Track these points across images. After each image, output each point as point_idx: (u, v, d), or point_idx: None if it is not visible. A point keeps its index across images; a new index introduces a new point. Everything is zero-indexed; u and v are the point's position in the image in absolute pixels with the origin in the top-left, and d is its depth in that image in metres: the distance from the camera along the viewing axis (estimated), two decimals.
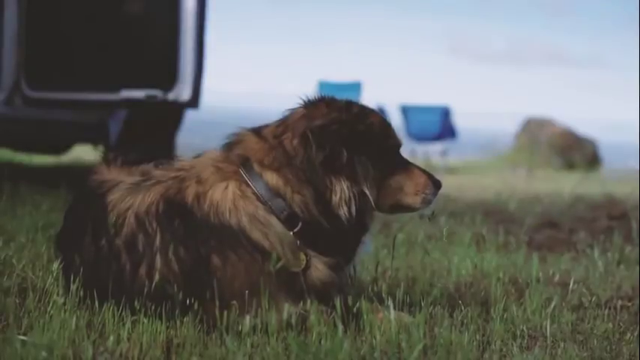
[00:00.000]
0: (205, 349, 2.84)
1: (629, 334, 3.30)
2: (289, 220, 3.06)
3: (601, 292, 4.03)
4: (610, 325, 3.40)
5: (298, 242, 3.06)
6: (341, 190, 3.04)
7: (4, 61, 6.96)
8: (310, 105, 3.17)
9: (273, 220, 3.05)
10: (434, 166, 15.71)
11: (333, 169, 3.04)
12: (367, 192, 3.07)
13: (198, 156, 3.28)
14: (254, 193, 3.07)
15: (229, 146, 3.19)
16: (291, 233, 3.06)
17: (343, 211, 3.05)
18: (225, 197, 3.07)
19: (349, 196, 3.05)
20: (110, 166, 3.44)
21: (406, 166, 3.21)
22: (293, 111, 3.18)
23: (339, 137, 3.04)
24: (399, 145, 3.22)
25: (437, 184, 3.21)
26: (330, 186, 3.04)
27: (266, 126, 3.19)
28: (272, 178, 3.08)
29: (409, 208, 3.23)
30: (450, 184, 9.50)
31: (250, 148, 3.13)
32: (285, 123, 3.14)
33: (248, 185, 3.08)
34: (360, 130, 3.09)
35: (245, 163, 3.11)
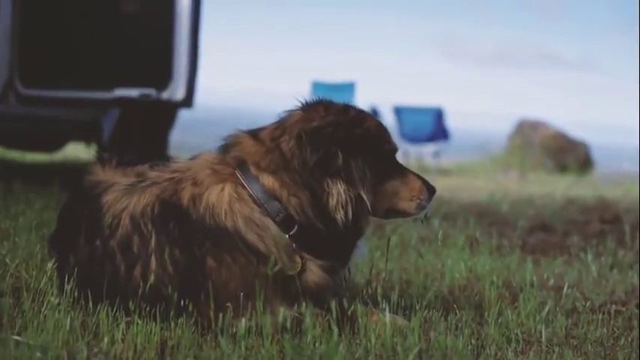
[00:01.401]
0: (200, 351, 2.83)
1: (623, 339, 3.31)
2: (285, 223, 3.05)
3: (595, 297, 4.03)
4: (604, 330, 3.41)
5: (294, 245, 3.05)
6: (338, 194, 3.03)
7: None
8: (308, 107, 3.16)
9: (269, 223, 3.05)
10: (426, 167, 15.71)
11: (329, 171, 3.03)
12: (364, 196, 3.06)
13: (194, 157, 3.27)
14: (250, 196, 3.06)
15: (226, 148, 3.18)
16: (287, 236, 3.05)
17: (340, 215, 3.04)
18: (221, 199, 3.06)
19: (346, 200, 3.04)
20: (105, 167, 3.43)
21: (402, 171, 3.21)
22: (290, 113, 3.17)
23: (334, 139, 3.03)
24: (395, 150, 3.22)
25: (431, 190, 3.21)
26: (327, 189, 3.04)
27: (263, 128, 3.19)
28: (268, 180, 3.07)
29: (404, 213, 3.23)
30: (442, 186, 9.50)
31: (247, 151, 3.12)
32: (282, 125, 3.13)
33: (244, 188, 3.08)
34: (357, 133, 3.09)
35: (241, 165, 3.11)
